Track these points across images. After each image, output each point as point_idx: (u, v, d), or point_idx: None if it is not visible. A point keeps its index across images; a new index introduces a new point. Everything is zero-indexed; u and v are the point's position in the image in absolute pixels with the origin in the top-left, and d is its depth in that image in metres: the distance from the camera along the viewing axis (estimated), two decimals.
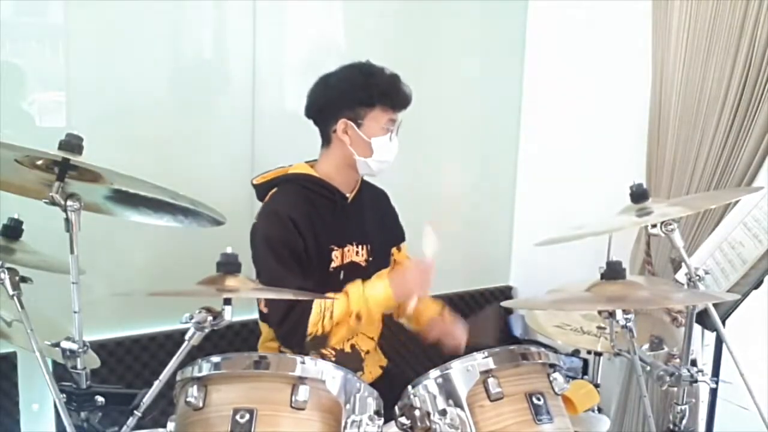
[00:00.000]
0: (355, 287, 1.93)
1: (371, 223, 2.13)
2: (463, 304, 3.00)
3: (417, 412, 1.40)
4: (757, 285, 1.93)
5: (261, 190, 2.04)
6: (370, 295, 1.90)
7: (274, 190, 2.00)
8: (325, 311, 1.87)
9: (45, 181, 1.44)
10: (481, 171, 3.06)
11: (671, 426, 1.77)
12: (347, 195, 2.05)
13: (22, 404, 2.21)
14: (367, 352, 2.12)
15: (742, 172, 2.29)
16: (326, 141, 2.02)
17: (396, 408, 1.45)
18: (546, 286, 2.00)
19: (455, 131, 2.93)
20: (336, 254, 2.00)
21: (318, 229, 1.96)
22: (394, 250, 2.20)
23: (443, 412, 1.41)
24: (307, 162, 2.07)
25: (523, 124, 3.12)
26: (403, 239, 2.24)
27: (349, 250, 2.04)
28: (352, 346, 2.07)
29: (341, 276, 2.01)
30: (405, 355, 2.67)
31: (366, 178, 2.12)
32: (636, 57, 2.60)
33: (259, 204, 2.04)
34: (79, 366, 1.47)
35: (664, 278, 2.42)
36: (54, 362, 1.54)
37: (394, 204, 2.25)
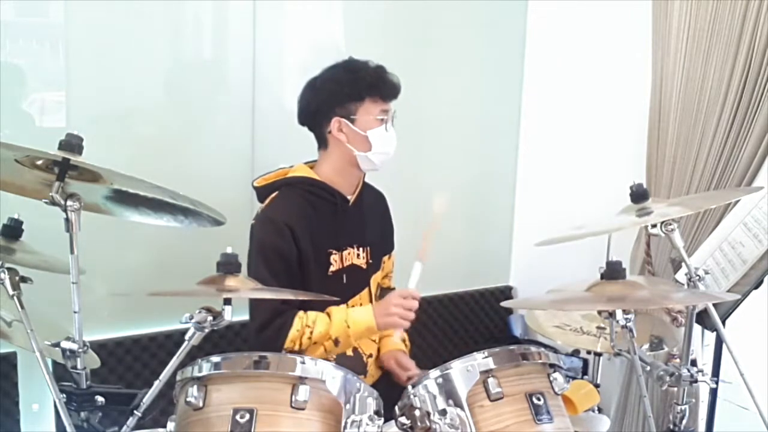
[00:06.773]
0: (338, 311, 1.93)
1: (371, 225, 2.12)
2: (463, 304, 3.00)
3: (417, 412, 1.40)
4: (757, 285, 1.94)
5: (262, 192, 2.03)
6: (353, 322, 1.90)
7: (275, 194, 1.99)
8: (305, 328, 1.87)
9: (45, 181, 1.44)
10: (481, 171, 3.06)
11: (671, 426, 1.77)
12: (348, 197, 2.04)
13: (22, 404, 2.21)
14: (370, 356, 2.12)
15: (742, 172, 2.29)
16: (323, 143, 2.02)
17: (396, 408, 1.46)
18: (546, 286, 1.99)
19: (455, 131, 2.93)
20: (335, 258, 2.00)
21: (316, 234, 1.95)
22: (385, 258, 2.19)
23: (443, 412, 1.41)
24: (307, 163, 2.06)
25: (523, 124, 3.12)
26: (392, 248, 2.24)
27: (349, 253, 2.03)
28: (355, 350, 2.06)
29: (344, 279, 2.01)
30: None
31: (367, 178, 2.12)
32: (636, 57, 2.59)
33: (259, 204, 2.04)
34: (79, 366, 1.47)
35: (664, 278, 2.42)
36: (54, 362, 1.54)
37: (394, 204, 2.25)
